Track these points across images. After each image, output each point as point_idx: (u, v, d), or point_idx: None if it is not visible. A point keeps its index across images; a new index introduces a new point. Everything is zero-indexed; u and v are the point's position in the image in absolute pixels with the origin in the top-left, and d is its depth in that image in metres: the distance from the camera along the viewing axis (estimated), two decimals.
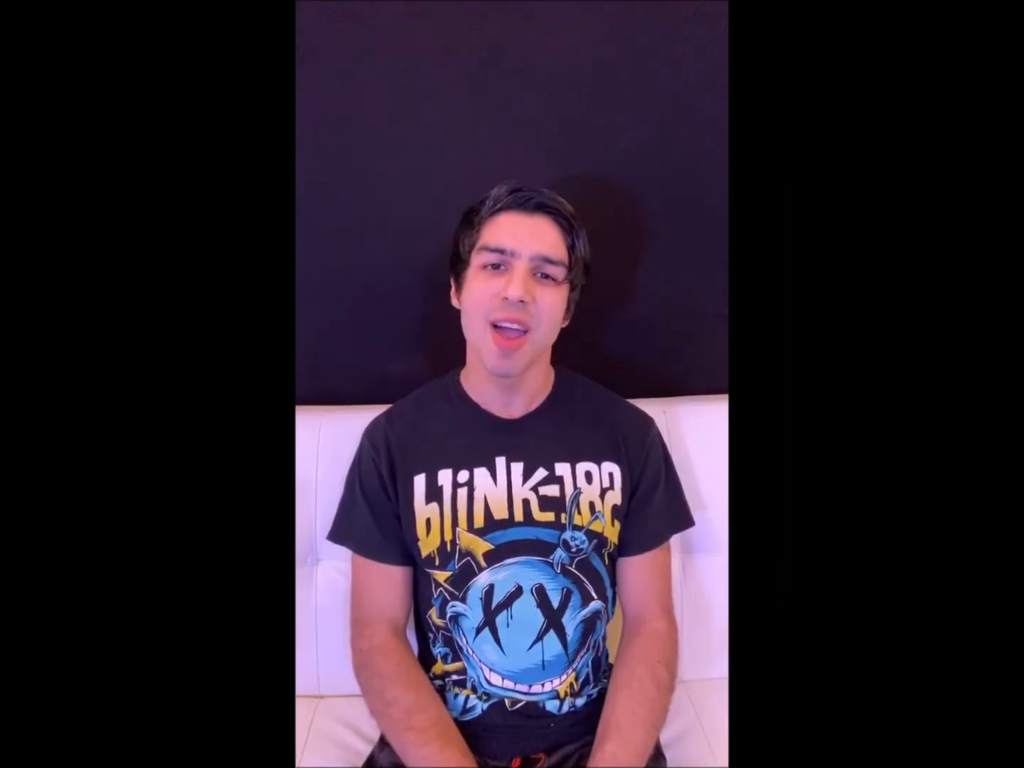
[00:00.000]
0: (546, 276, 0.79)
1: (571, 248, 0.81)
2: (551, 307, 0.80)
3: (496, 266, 0.79)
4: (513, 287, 0.76)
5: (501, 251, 0.78)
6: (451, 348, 0.91)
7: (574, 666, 0.83)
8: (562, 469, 0.85)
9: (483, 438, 0.86)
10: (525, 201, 0.79)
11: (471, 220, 0.82)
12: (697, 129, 1.01)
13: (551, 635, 0.81)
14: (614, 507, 0.85)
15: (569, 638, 0.82)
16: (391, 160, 1.01)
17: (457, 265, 0.84)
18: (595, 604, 0.84)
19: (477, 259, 0.80)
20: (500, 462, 0.84)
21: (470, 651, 0.82)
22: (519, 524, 0.82)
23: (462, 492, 0.83)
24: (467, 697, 0.83)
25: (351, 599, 0.89)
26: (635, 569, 0.88)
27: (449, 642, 0.84)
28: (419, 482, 0.84)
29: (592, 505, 0.84)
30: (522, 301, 0.76)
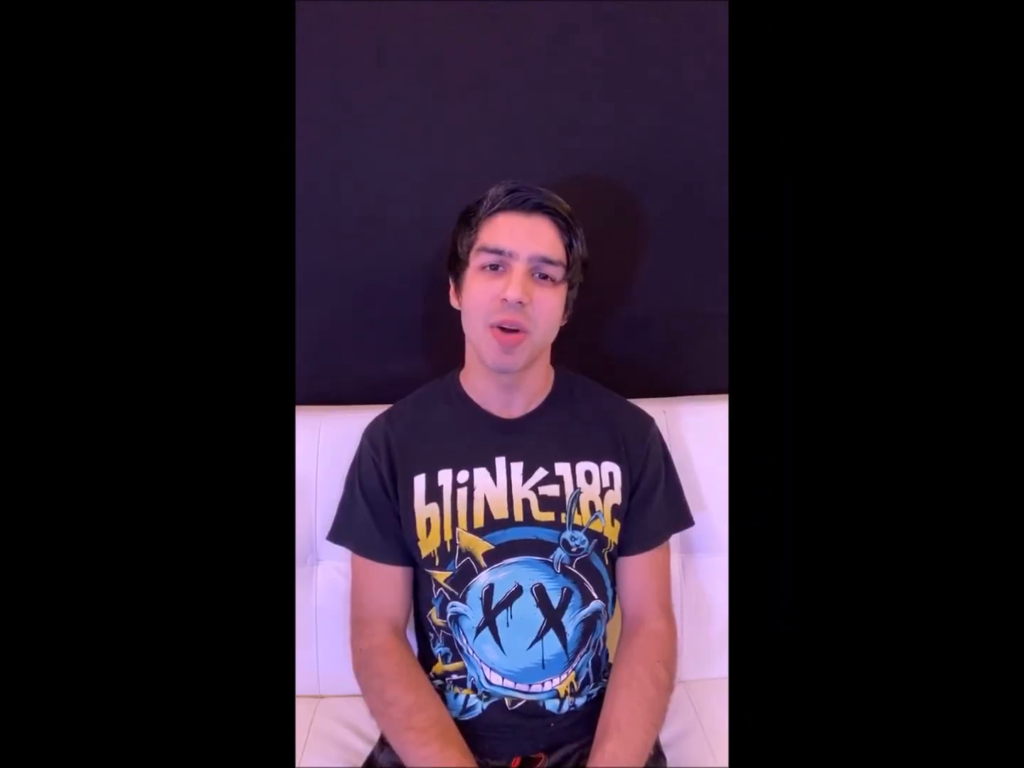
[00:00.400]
0: (544, 276, 0.79)
1: (569, 247, 0.81)
2: (550, 309, 0.80)
3: (495, 267, 0.79)
4: (512, 289, 0.76)
5: (499, 252, 0.78)
6: (451, 348, 0.91)
7: (574, 665, 0.83)
8: (562, 469, 0.85)
9: (483, 438, 0.86)
10: (523, 202, 0.79)
11: (469, 220, 0.82)
12: (697, 129, 1.01)
13: (551, 634, 0.81)
14: (614, 507, 0.85)
15: (569, 637, 0.82)
16: (391, 160, 1.01)
17: (456, 266, 0.84)
18: (595, 604, 0.84)
19: (475, 260, 0.80)
20: (500, 462, 0.84)
21: (470, 651, 0.82)
22: (519, 524, 0.82)
23: (462, 492, 0.83)
24: (467, 697, 0.83)
25: (351, 599, 0.89)
26: (635, 568, 0.88)
27: (449, 642, 0.84)
28: (419, 482, 0.84)
29: (592, 505, 0.84)
30: (520, 303, 0.76)
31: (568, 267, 0.81)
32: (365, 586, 0.87)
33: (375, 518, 0.85)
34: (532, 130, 1.01)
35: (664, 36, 0.98)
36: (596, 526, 0.84)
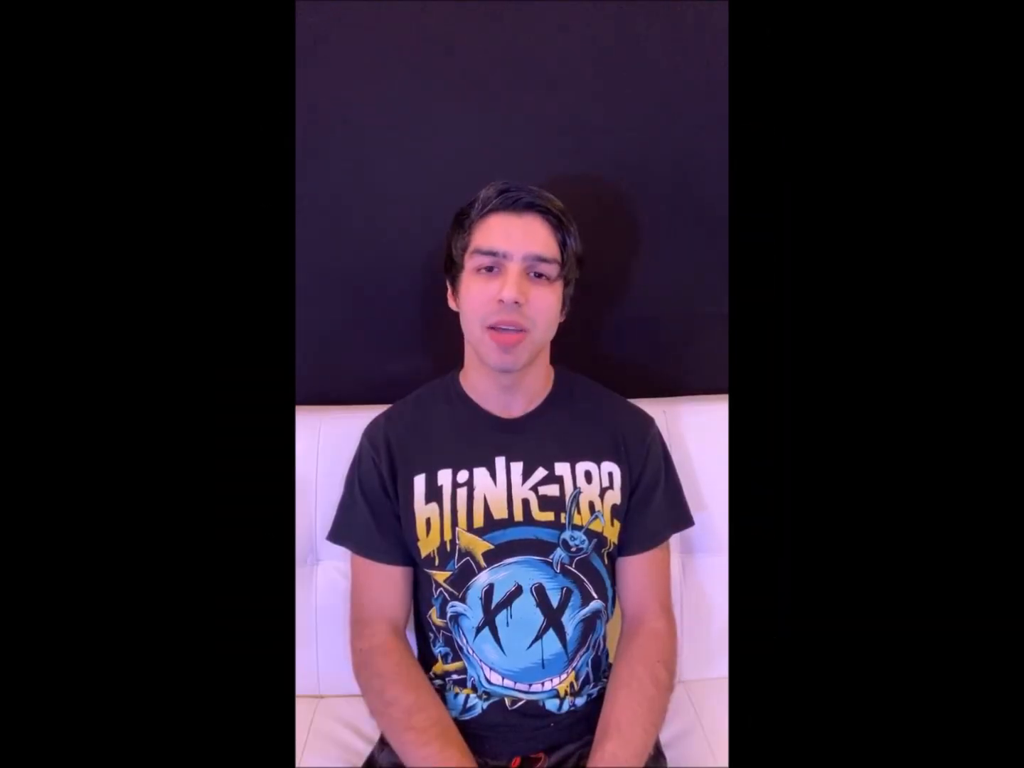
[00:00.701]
0: (540, 275, 0.79)
1: (562, 245, 0.81)
2: (547, 307, 0.80)
3: (489, 268, 0.79)
4: (507, 289, 0.76)
5: (493, 253, 0.78)
6: (451, 348, 0.91)
7: (574, 665, 0.83)
8: (562, 469, 0.85)
9: (483, 438, 0.86)
10: (514, 202, 0.79)
11: (462, 223, 0.82)
12: (697, 129, 1.01)
13: (550, 634, 0.81)
14: (614, 507, 0.85)
15: (568, 637, 0.82)
16: (391, 160, 1.01)
17: (451, 268, 0.84)
18: (595, 604, 0.84)
19: (470, 262, 0.80)
20: (500, 462, 0.84)
21: (470, 651, 0.82)
22: (519, 524, 0.82)
23: (462, 492, 0.83)
24: (467, 696, 0.83)
25: (351, 599, 0.89)
26: (635, 568, 0.88)
27: (449, 642, 0.84)
28: (419, 482, 0.84)
29: (592, 505, 0.84)
30: (517, 303, 0.76)
31: (563, 264, 0.81)
32: (365, 586, 0.87)
33: (375, 518, 0.85)
34: (532, 130, 1.01)
35: (664, 36, 0.98)
36: (596, 526, 0.84)
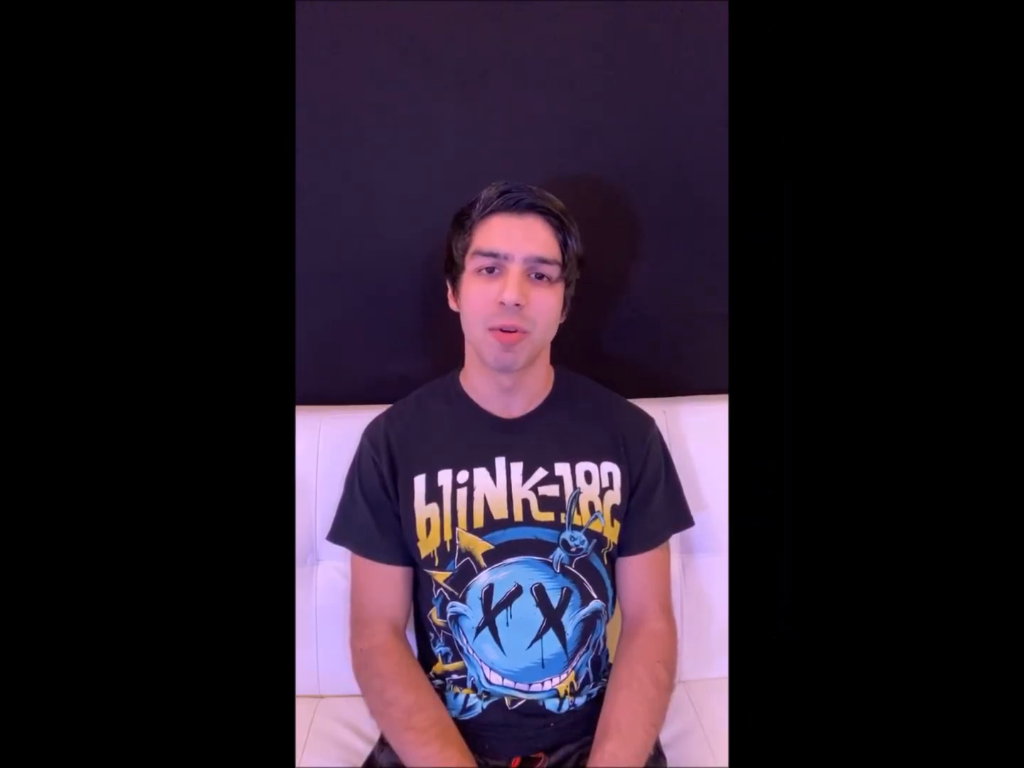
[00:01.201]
0: (541, 276, 0.79)
1: (563, 246, 0.81)
2: (548, 308, 0.80)
3: (490, 270, 0.79)
4: (508, 291, 0.76)
5: (494, 255, 0.78)
6: (451, 348, 0.91)
7: (573, 665, 0.83)
8: (561, 469, 0.85)
9: (483, 438, 0.86)
10: (515, 203, 0.78)
11: (462, 224, 0.82)
12: (697, 129, 1.01)
13: (550, 634, 0.81)
14: (613, 507, 0.85)
15: (568, 637, 0.82)
16: (391, 159, 1.01)
17: (452, 269, 0.84)
18: (595, 604, 0.84)
19: (471, 263, 0.80)
20: (500, 462, 0.84)
21: (470, 650, 0.82)
22: (519, 524, 0.82)
23: (462, 492, 0.83)
24: (467, 696, 0.83)
25: (351, 599, 0.89)
26: (634, 569, 0.88)
27: (449, 642, 0.84)
28: (419, 482, 0.84)
29: (591, 505, 0.84)
30: (517, 304, 0.76)
31: (564, 265, 0.81)
32: (365, 586, 0.87)
33: (375, 518, 0.86)
34: (533, 130, 1.01)
35: (664, 36, 0.98)
36: (595, 526, 0.84)
